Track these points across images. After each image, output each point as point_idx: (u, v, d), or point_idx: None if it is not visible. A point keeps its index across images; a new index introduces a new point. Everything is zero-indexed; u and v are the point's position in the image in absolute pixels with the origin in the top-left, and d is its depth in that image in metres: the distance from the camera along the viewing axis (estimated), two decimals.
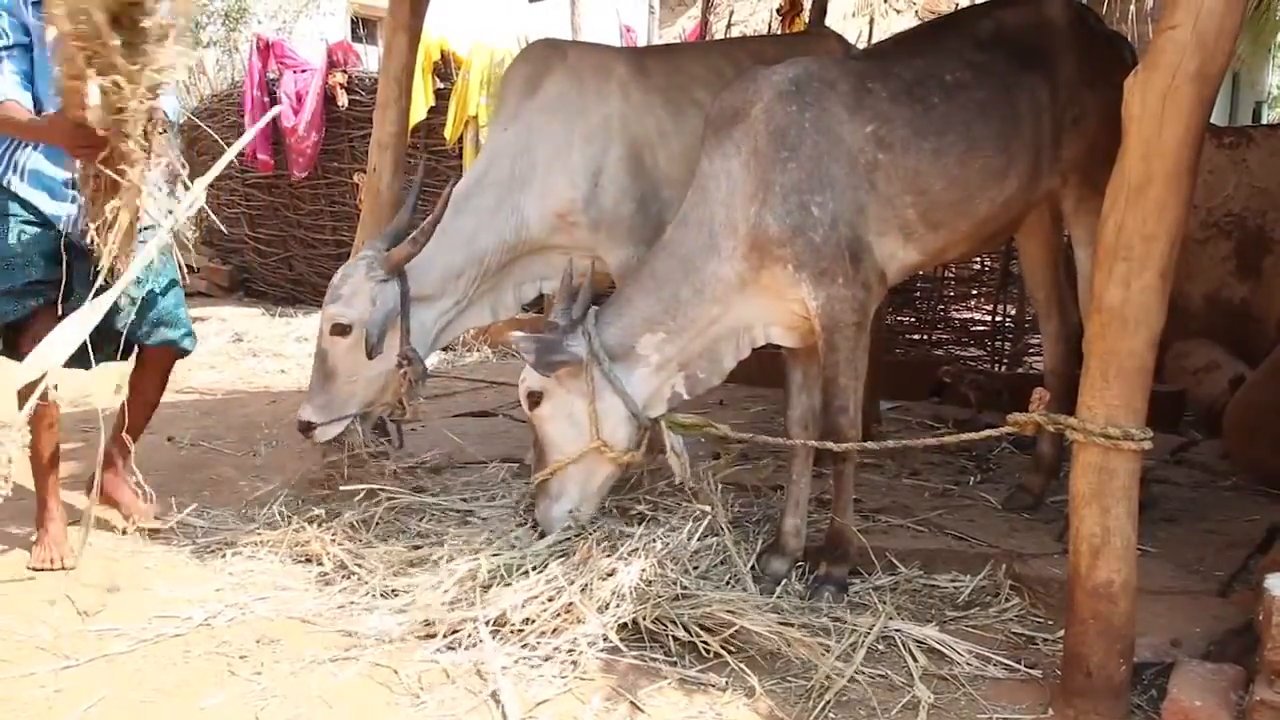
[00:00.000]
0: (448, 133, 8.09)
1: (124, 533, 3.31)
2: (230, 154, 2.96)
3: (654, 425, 2.92)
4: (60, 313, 2.83)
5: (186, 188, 2.92)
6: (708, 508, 2.90)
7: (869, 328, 2.86)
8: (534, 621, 2.50)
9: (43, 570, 2.99)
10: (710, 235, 2.81)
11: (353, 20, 15.23)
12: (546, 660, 2.43)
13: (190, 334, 3.36)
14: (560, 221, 3.59)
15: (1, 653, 2.49)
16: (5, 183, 2.99)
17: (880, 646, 2.54)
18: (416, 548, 3.00)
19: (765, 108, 2.79)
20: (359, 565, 2.94)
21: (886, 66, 2.94)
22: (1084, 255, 3.17)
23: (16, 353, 2.96)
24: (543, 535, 2.92)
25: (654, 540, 2.73)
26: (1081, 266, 3.22)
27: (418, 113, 7.89)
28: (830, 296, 2.76)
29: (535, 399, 2.92)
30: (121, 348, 3.17)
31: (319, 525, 3.14)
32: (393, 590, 2.79)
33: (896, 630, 2.56)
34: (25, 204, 3.00)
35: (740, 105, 2.83)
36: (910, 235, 2.89)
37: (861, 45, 5.64)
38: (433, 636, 2.53)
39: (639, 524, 2.91)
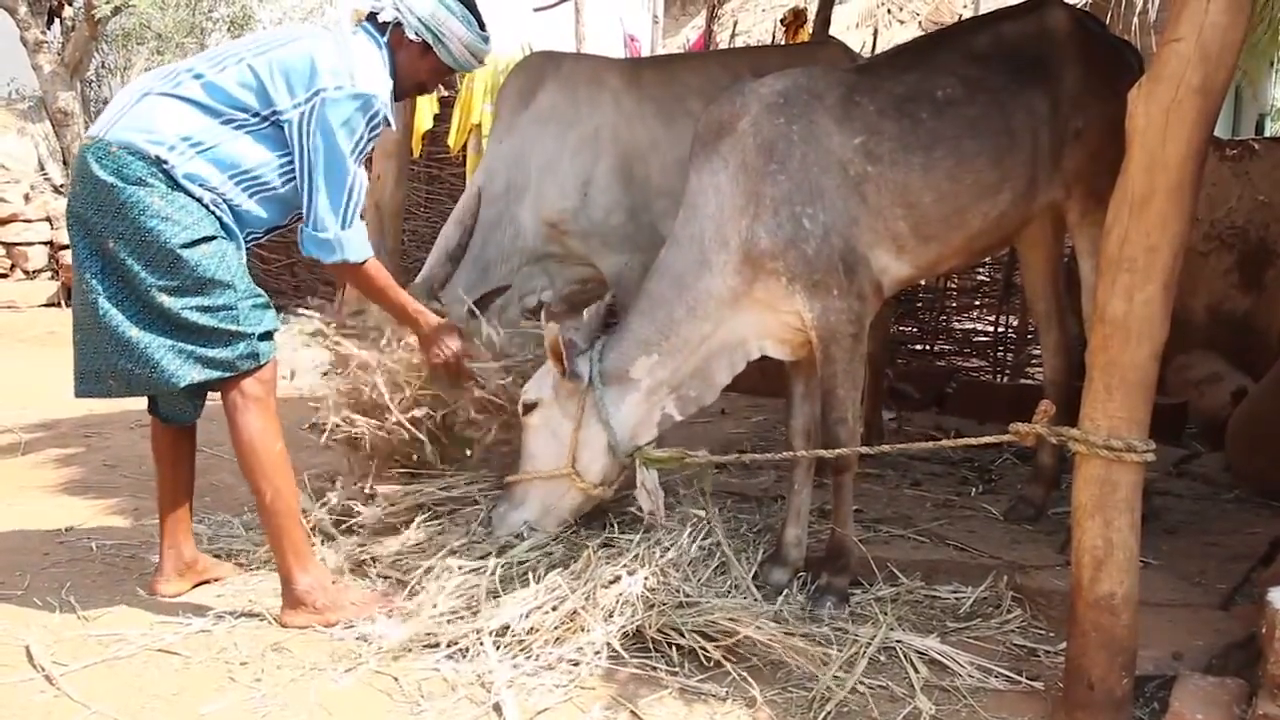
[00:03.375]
0: (451, 140, 8.11)
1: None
2: None
3: (631, 461, 2.85)
4: None
5: None
6: (703, 514, 2.89)
7: (865, 338, 2.86)
8: (537, 631, 2.49)
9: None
10: (701, 251, 2.79)
11: None
12: (548, 669, 2.42)
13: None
14: (552, 231, 3.61)
15: (0, 657, 2.49)
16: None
17: (881, 657, 2.53)
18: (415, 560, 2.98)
19: (753, 120, 2.78)
20: (359, 572, 2.93)
21: (876, 80, 2.93)
22: (1088, 267, 3.16)
23: None
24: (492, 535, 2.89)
25: (655, 548, 2.72)
26: (1086, 278, 3.21)
27: (423, 121, 7.92)
28: (826, 308, 2.75)
29: (529, 407, 2.91)
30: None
31: (317, 535, 3.12)
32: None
33: (898, 641, 2.56)
34: None
35: (727, 119, 2.82)
36: (902, 248, 2.88)
37: (865, 56, 5.63)
38: (435, 646, 2.52)
39: (635, 531, 2.88)
